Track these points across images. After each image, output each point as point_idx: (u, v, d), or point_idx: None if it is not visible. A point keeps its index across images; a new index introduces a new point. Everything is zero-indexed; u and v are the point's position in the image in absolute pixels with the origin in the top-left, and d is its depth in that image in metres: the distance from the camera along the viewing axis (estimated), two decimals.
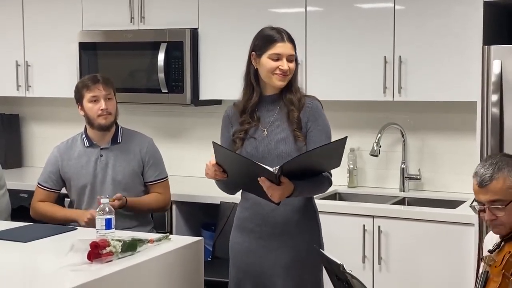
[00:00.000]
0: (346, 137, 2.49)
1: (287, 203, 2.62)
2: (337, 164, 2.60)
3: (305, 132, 2.67)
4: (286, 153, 2.63)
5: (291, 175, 2.50)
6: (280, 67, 2.61)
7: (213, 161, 2.55)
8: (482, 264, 2.29)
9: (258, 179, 2.46)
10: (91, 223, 3.06)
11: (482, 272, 2.25)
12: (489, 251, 2.29)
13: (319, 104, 2.72)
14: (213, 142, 2.54)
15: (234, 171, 2.58)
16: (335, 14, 3.69)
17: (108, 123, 3.25)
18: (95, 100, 3.21)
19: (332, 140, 2.67)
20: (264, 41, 2.66)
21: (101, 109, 3.20)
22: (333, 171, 2.67)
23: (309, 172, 2.59)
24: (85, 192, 3.28)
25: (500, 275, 2.18)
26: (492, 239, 2.40)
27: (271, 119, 2.70)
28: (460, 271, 3.20)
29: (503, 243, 2.27)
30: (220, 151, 2.54)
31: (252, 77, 2.70)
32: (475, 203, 2.33)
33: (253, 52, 2.68)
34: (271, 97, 2.71)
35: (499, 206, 2.23)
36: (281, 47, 2.62)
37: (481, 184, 2.25)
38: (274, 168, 2.45)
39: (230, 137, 2.75)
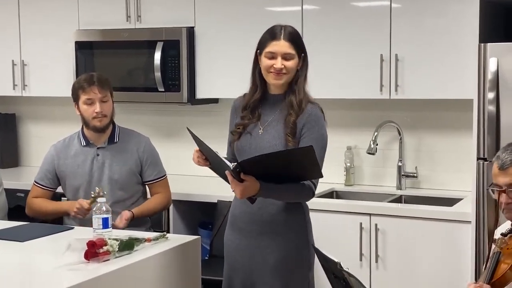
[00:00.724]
0: (311, 146, 2.43)
1: (274, 202, 2.62)
2: (316, 174, 2.54)
3: (299, 138, 2.64)
4: None
5: (262, 175, 2.47)
6: (274, 65, 2.61)
7: (197, 147, 2.59)
8: (493, 246, 2.33)
9: (226, 172, 2.47)
10: (80, 214, 3.08)
11: (494, 253, 2.29)
12: (502, 234, 2.32)
13: (320, 112, 2.68)
14: (187, 127, 2.59)
15: (211, 159, 2.60)
16: (331, 12, 3.69)
17: (103, 125, 3.24)
18: (90, 102, 3.20)
19: (326, 151, 2.66)
20: (263, 39, 2.67)
21: (96, 112, 3.20)
22: (330, 169, 2.67)
23: (287, 178, 2.54)
24: (80, 191, 3.28)
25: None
26: (506, 225, 2.43)
27: (270, 119, 2.70)
28: (457, 268, 3.21)
29: None
30: (195, 138, 2.57)
31: (257, 75, 2.70)
32: (492, 188, 2.37)
33: (257, 50, 2.68)
34: (275, 97, 2.70)
35: None
36: (275, 45, 2.61)
37: (502, 167, 2.31)
38: (232, 164, 2.46)
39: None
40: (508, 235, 2.32)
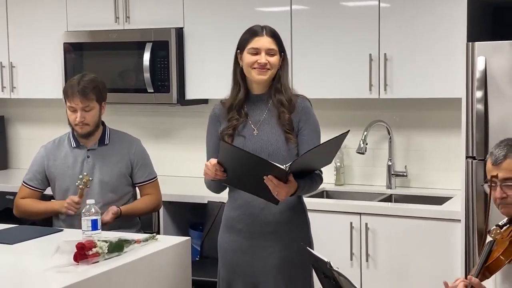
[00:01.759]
0: (349, 130, 2.56)
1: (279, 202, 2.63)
2: (330, 160, 2.66)
3: (297, 132, 2.69)
4: (277, 152, 2.65)
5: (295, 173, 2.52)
6: (258, 60, 2.62)
7: (214, 161, 2.54)
8: (488, 236, 2.37)
9: (264, 177, 2.46)
10: (70, 209, 3.08)
11: (489, 241, 2.33)
12: (497, 225, 2.36)
13: (309, 103, 2.75)
14: (222, 142, 2.56)
15: (236, 170, 2.56)
16: (320, 12, 3.70)
17: (84, 132, 3.23)
18: (73, 110, 3.19)
19: (320, 137, 2.71)
20: (245, 37, 2.68)
21: (78, 122, 3.17)
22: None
23: (305, 171, 2.61)
24: (69, 193, 3.25)
25: (506, 243, 2.27)
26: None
27: (261, 119, 2.70)
28: (447, 267, 3.21)
29: (508, 224, 2.33)
30: (228, 149, 2.53)
31: (239, 76, 2.71)
32: (486, 184, 2.41)
33: (238, 50, 2.69)
34: (260, 96, 2.71)
35: (510, 184, 2.30)
36: (259, 41, 2.64)
37: (495, 162, 2.36)
38: (285, 166, 2.46)
39: (218, 135, 2.74)
40: (504, 227, 2.36)
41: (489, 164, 2.40)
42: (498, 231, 2.35)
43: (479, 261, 2.32)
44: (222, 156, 2.53)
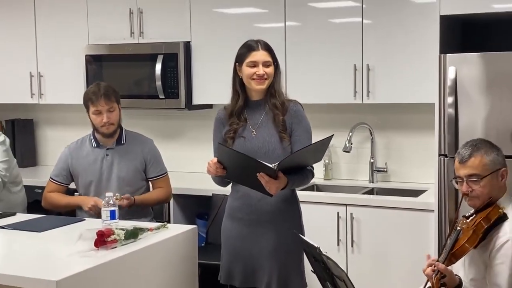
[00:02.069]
0: (333, 135, 2.57)
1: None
2: (319, 158, 2.66)
3: (290, 133, 2.69)
4: (272, 151, 2.66)
5: (284, 170, 2.53)
6: (256, 72, 2.63)
7: (215, 159, 2.56)
8: (456, 225, 2.38)
9: (257, 174, 2.48)
10: (94, 210, 3.06)
11: (456, 230, 2.34)
12: (464, 216, 2.37)
13: (301, 107, 2.75)
14: (218, 143, 2.59)
15: (234, 168, 2.58)
16: (310, 28, 3.70)
17: (110, 131, 3.23)
18: (98, 113, 3.19)
19: (312, 137, 2.71)
20: (243, 51, 2.69)
21: (104, 122, 3.18)
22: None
23: (297, 167, 2.62)
24: (91, 187, 3.27)
25: (470, 231, 2.28)
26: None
27: (259, 121, 2.71)
28: (422, 251, 3.18)
29: (474, 215, 2.34)
30: (225, 150, 2.55)
31: (238, 85, 2.72)
32: (454, 180, 2.43)
33: (236, 63, 2.69)
34: (257, 102, 2.72)
35: (475, 179, 2.33)
36: (256, 55, 2.64)
37: (462, 161, 2.37)
38: (273, 165, 2.48)
39: (222, 137, 2.75)
40: (470, 218, 2.36)
41: (456, 163, 2.40)
42: (464, 221, 2.35)
43: (446, 248, 2.32)
44: (220, 156, 2.56)
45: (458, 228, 2.34)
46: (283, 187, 2.55)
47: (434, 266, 2.23)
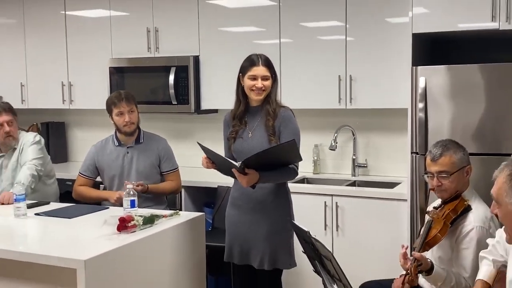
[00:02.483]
0: (293, 140, 2.49)
1: (265, 186, 2.64)
2: (297, 159, 2.58)
3: (278, 135, 2.66)
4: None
5: (258, 167, 2.50)
6: (256, 85, 2.62)
7: (205, 155, 2.59)
8: (426, 216, 2.38)
9: (233, 170, 2.49)
10: (118, 201, 3.05)
11: (427, 221, 2.34)
12: (434, 207, 2.36)
13: (291, 113, 2.72)
14: (197, 142, 2.60)
15: (218, 163, 2.60)
16: (302, 44, 3.69)
17: (131, 130, 3.23)
18: (120, 114, 3.19)
19: (301, 142, 2.68)
20: (245, 65, 2.68)
21: (126, 121, 3.18)
22: (302, 162, 2.67)
23: (278, 165, 2.58)
24: (114, 180, 3.26)
25: (441, 222, 2.28)
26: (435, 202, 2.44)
27: (255, 125, 2.70)
28: (396, 234, 3.22)
29: (443, 205, 2.34)
30: (204, 149, 2.57)
31: (240, 93, 2.71)
32: (426, 175, 2.43)
33: (240, 74, 2.69)
34: (255, 108, 2.72)
35: (445, 175, 2.33)
36: (256, 70, 2.63)
37: (433, 159, 2.37)
38: (238, 163, 2.48)
39: (227, 136, 2.77)
40: (439, 208, 2.35)
41: (428, 160, 2.40)
42: (435, 212, 2.34)
43: (420, 238, 2.30)
44: (206, 153, 2.57)
45: (430, 218, 2.33)
46: (255, 181, 2.52)
47: (412, 257, 2.20)
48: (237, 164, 2.49)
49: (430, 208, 2.46)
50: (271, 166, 2.56)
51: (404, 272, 2.24)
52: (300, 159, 2.59)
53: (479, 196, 2.43)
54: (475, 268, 2.21)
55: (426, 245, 2.28)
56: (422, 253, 2.23)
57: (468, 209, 2.31)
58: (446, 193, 2.36)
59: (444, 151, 2.35)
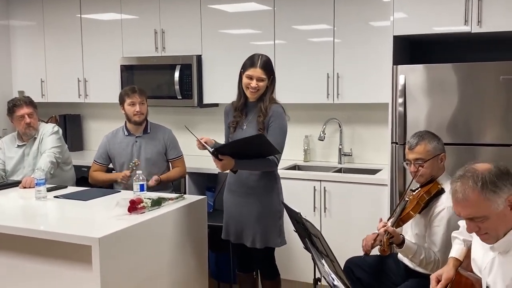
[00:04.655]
0: (260, 134, 2.46)
1: (255, 173, 2.64)
2: (274, 152, 2.53)
3: (267, 128, 2.62)
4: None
5: (235, 155, 2.48)
6: (250, 84, 2.60)
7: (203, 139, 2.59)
8: (404, 196, 2.39)
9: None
10: (124, 179, 3.07)
11: (404, 200, 2.36)
12: (411, 189, 2.38)
13: (281, 109, 2.66)
14: (185, 126, 2.59)
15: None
16: (294, 45, 3.68)
17: (141, 120, 3.22)
18: (132, 104, 3.18)
19: (287, 135, 2.65)
20: (246, 64, 2.65)
21: (136, 111, 3.17)
22: (294, 150, 2.66)
23: (256, 155, 2.54)
24: (124, 166, 3.25)
25: (415, 201, 2.30)
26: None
27: (250, 118, 2.69)
28: (378, 215, 3.18)
29: (419, 188, 2.35)
30: (191, 132, 2.55)
31: (241, 88, 2.69)
32: (405, 163, 2.44)
33: (242, 70, 2.67)
34: (252, 103, 2.70)
35: (420, 162, 2.32)
36: (252, 71, 2.60)
37: (410, 148, 2.39)
38: (211, 148, 2.48)
39: (227, 124, 2.76)
40: (416, 191, 2.37)
41: (406, 149, 2.42)
42: (410, 194, 2.36)
43: (395, 214, 2.33)
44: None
45: (406, 199, 2.35)
46: (230, 167, 2.50)
47: (386, 230, 2.23)
48: (211, 150, 2.47)
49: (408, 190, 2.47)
50: (250, 156, 2.52)
51: (377, 232, 2.27)
52: (277, 152, 2.53)
53: None
54: (444, 244, 2.24)
55: (400, 221, 2.30)
56: (395, 228, 2.25)
57: (441, 191, 2.32)
58: (422, 178, 2.38)
59: (419, 140, 2.37)
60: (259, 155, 2.57)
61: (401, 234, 2.30)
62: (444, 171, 2.42)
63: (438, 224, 2.28)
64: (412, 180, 2.39)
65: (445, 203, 2.28)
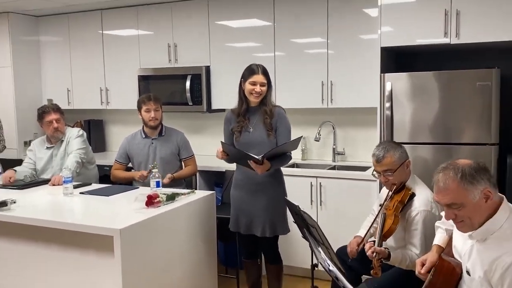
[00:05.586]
0: (302, 136, 2.57)
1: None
2: (295, 148, 2.64)
3: (275, 129, 2.66)
4: (263, 143, 2.66)
5: (268, 158, 2.53)
6: (255, 89, 2.61)
7: (221, 149, 2.59)
8: (382, 209, 2.32)
9: (249, 161, 2.50)
10: (141, 179, 3.09)
11: (381, 214, 2.28)
12: (385, 200, 2.32)
13: (283, 111, 2.73)
14: (222, 142, 2.60)
15: (233, 155, 2.61)
16: (292, 56, 3.68)
17: (155, 124, 3.24)
18: (148, 110, 3.19)
19: (291, 134, 2.70)
20: (247, 72, 2.66)
21: (151, 117, 3.19)
22: (293, 151, 2.68)
23: (278, 155, 2.60)
24: (141, 165, 3.27)
25: (393, 215, 2.23)
26: (385, 191, 2.43)
27: (255, 122, 2.70)
28: (367, 208, 3.21)
29: (393, 194, 2.31)
30: (227, 146, 2.57)
31: (242, 95, 2.70)
32: (374, 172, 2.39)
33: (242, 79, 2.68)
34: (254, 108, 2.71)
35: (389, 173, 2.28)
36: (256, 77, 2.63)
37: (378, 161, 2.32)
38: (259, 156, 2.50)
39: (229, 131, 2.75)
40: (389, 199, 2.31)
41: (374, 161, 2.35)
42: (386, 206, 2.25)
43: (378, 232, 2.20)
44: (224, 148, 2.58)
45: (384, 212, 2.27)
46: (268, 169, 2.55)
47: (374, 251, 2.08)
48: (258, 157, 2.50)
49: (382, 201, 2.39)
50: (274, 156, 2.58)
51: (358, 235, 2.21)
52: (295, 148, 2.63)
53: (420, 181, 2.40)
54: (423, 245, 2.20)
55: (384, 237, 2.22)
56: (381, 247, 2.14)
57: (412, 196, 2.28)
58: (394, 185, 2.33)
59: (385, 153, 2.32)
60: (283, 153, 2.62)
61: (386, 248, 2.19)
62: (411, 174, 2.39)
63: (415, 228, 2.24)
64: (388, 193, 2.34)
65: (418, 207, 2.25)
